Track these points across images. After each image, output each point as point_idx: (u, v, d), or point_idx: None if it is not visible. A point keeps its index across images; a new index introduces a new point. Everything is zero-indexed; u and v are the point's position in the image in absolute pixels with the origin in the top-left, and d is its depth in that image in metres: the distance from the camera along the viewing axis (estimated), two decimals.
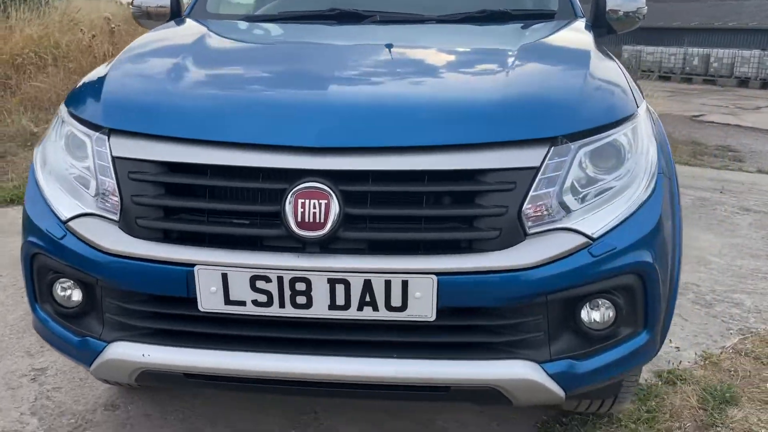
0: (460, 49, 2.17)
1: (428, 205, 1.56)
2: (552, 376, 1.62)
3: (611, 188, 1.69)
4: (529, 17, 2.68)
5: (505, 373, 1.59)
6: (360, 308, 1.54)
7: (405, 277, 1.51)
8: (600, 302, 1.66)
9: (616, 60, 2.17)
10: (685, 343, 2.90)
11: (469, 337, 1.61)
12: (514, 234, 1.56)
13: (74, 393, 2.46)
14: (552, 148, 1.61)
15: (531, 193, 1.57)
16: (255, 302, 1.55)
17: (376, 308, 1.54)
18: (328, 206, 1.50)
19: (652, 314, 1.71)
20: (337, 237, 1.53)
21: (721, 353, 2.82)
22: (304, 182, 1.51)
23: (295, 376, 1.59)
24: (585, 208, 1.65)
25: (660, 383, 2.56)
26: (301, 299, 1.54)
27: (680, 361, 2.73)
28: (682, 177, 6.19)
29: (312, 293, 1.53)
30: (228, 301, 1.55)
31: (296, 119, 1.61)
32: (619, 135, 1.73)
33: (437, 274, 1.51)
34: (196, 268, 1.53)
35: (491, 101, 1.68)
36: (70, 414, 2.35)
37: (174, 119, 1.65)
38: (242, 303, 1.55)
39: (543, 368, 1.61)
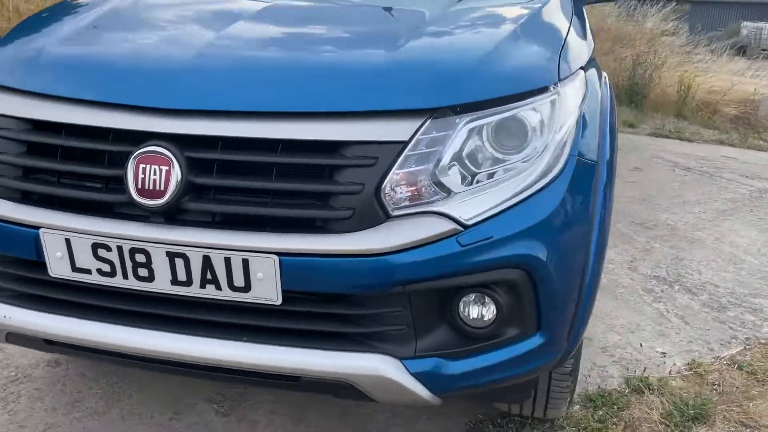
0: (371, 11, 1.98)
1: (278, 178, 1.42)
2: (415, 375, 1.46)
3: (512, 170, 1.49)
4: None
5: (357, 366, 1.44)
6: (203, 285, 1.44)
7: (245, 255, 1.39)
8: (479, 297, 1.48)
9: (574, 21, 1.93)
10: (674, 348, 2.61)
11: (321, 325, 1.47)
12: (372, 215, 1.39)
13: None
14: (429, 120, 1.42)
15: (394, 171, 1.40)
16: (99, 271, 1.47)
17: (219, 287, 1.43)
18: (168, 173, 1.39)
19: (548, 315, 1.51)
20: (179, 207, 1.42)
21: (713, 363, 2.52)
22: (146, 146, 1.41)
23: (139, 351, 1.51)
24: (472, 191, 1.46)
25: (626, 390, 2.31)
26: (142, 272, 1.45)
27: (649, 368, 2.45)
28: (756, 166, 5.67)
29: (152, 266, 1.44)
30: (74, 268, 1.49)
31: (145, 78, 1.51)
32: (526, 109, 1.52)
33: (279, 254, 1.38)
34: (41, 231, 1.47)
35: (365, 67, 1.51)
36: (14, 367, 2.39)
37: (30, 73, 1.58)
38: (88, 271, 1.48)
39: (404, 365, 1.45)
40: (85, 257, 1.47)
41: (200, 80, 1.48)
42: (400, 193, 1.41)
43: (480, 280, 1.44)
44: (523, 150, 1.50)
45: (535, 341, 1.52)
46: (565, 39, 1.78)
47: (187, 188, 1.41)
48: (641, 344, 2.59)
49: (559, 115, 1.56)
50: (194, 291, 1.45)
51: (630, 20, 11.65)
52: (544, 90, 1.56)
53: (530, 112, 1.52)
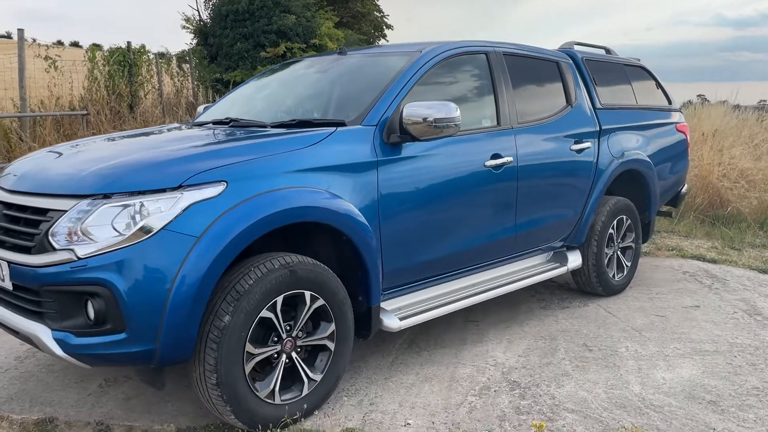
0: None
1: (14, 223, 2.82)
2: (55, 340, 2.65)
3: (120, 231, 2.63)
4: (322, 125, 3.44)
5: (30, 329, 2.73)
6: None
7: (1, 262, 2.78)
8: (92, 300, 2.61)
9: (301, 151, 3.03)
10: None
11: (26, 303, 2.77)
12: (45, 246, 2.67)
13: None
14: (84, 200, 2.69)
15: (58, 224, 2.67)
16: None
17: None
18: None
19: (130, 320, 2.57)
20: None
21: None
22: None
23: None
24: (106, 240, 2.62)
25: None
26: None
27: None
28: None
29: None
30: None
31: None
32: (148, 200, 2.65)
33: (8, 262, 2.76)
34: None
35: (63, 173, 2.88)
36: None
37: None
38: None
39: (51, 333, 2.66)
40: None
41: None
42: (60, 236, 2.65)
43: (86, 290, 2.60)
44: (138, 224, 2.62)
45: (122, 336, 2.57)
46: (241, 162, 2.83)
47: None
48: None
49: (171, 206, 2.63)
50: None
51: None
52: (167, 190, 2.66)
53: (150, 203, 2.64)
